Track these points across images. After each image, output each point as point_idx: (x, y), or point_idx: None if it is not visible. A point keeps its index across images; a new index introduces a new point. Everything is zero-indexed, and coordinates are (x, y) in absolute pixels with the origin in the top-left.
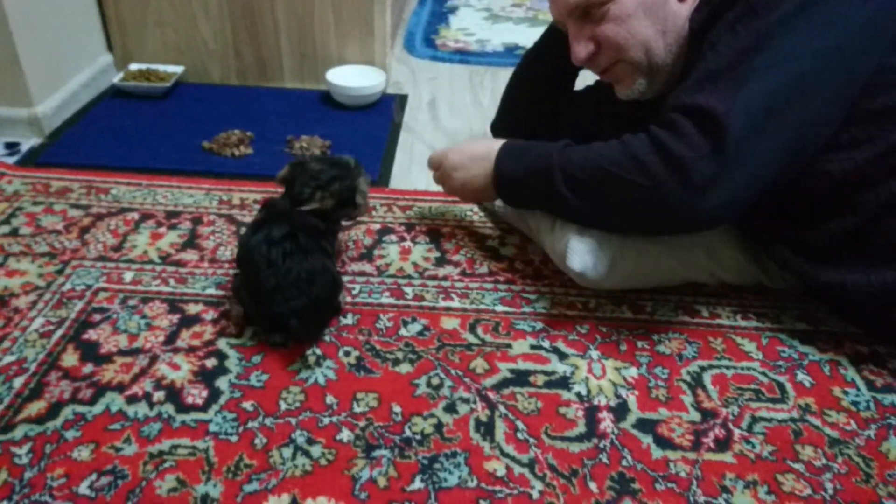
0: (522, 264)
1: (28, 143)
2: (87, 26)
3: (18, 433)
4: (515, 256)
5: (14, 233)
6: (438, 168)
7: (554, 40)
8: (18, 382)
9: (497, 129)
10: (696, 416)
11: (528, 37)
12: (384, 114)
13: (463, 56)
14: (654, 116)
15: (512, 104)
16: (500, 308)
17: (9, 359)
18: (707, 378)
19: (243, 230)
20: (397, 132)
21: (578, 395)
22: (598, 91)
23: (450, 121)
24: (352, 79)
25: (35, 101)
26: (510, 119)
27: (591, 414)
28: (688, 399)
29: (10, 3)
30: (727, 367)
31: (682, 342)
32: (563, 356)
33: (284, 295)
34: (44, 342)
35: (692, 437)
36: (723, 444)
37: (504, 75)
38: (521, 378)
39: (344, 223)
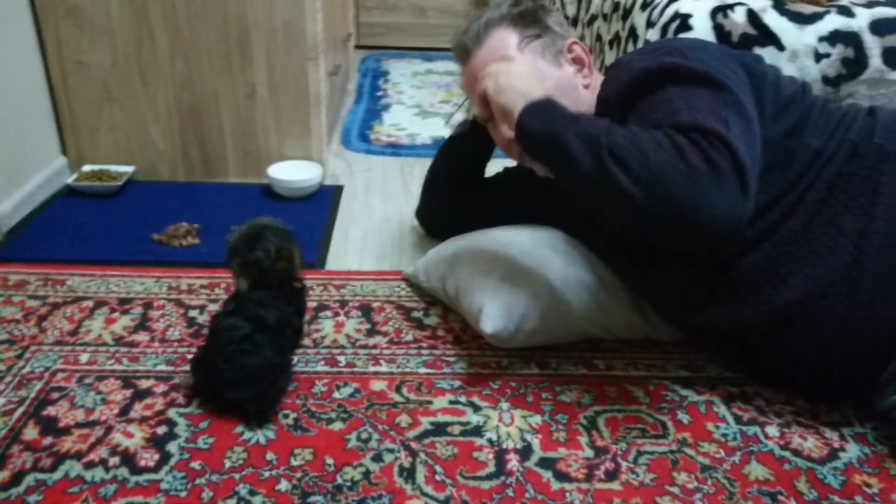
0: (444, 331)
1: None
2: (42, 131)
3: None
4: (438, 325)
5: None
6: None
7: (465, 133)
8: None
9: (421, 214)
10: (590, 452)
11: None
12: (321, 204)
13: (394, 149)
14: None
15: (431, 193)
16: (422, 370)
17: None
18: (601, 421)
19: (196, 312)
20: (333, 220)
21: (489, 440)
22: (507, 175)
23: (382, 207)
24: (291, 173)
25: None
26: (430, 205)
27: (500, 456)
28: (583, 439)
29: None
30: (619, 411)
31: (580, 392)
32: (477, 408)
33: (237, 387)
34: (6, 419)
35: (586, 470)
36: (612, 475)
37: None
38: (440, 429)
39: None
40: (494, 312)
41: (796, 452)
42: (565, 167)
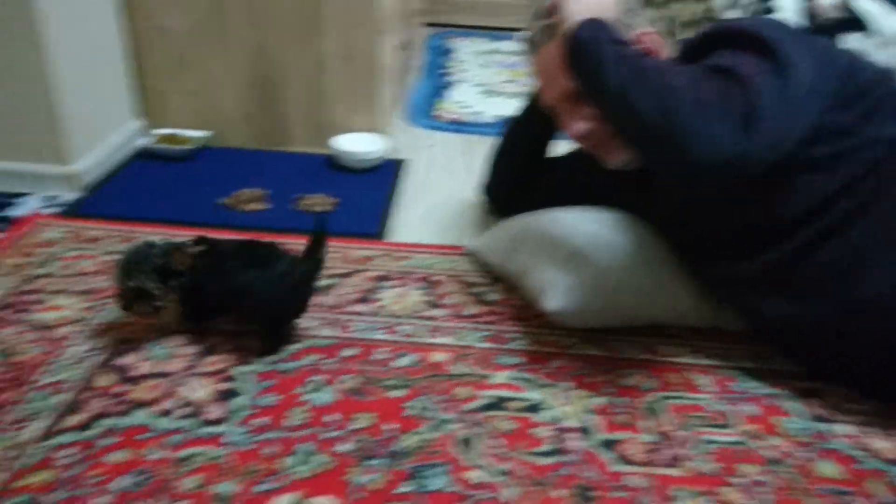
0: (505, 308)
1: (65, 196)
2: (120, 93)
3: (61, 439)
4: (500, 301)
5: (52, 274)
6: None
7: (531, 114)
8: (60, 399)
9: (485, 190)
10: (651, 437)
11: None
12: (384, 176)
13: (458, 126)
14: (637, 183)
15: (496, 170)
16: (483, 345)
17: (50, 379)
18: (663, 406)
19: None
20: (396, 193)
21: (549, 418)
22: (575, 157)
23: (445, 183)
24: (355, 144)
25: (73, 159)
26: (494, 182)
27: (559, 435)
28: (644, 423)
29: (53, 73)
30: (681, 398)
31: (643, 376)
32: (537, 386)
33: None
34: (81, 366)
35: (646, 454)
36: (673, 462)
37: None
38: (498, 403)
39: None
40: (558, 291)
41: (870, 452)
42: (593, 75)
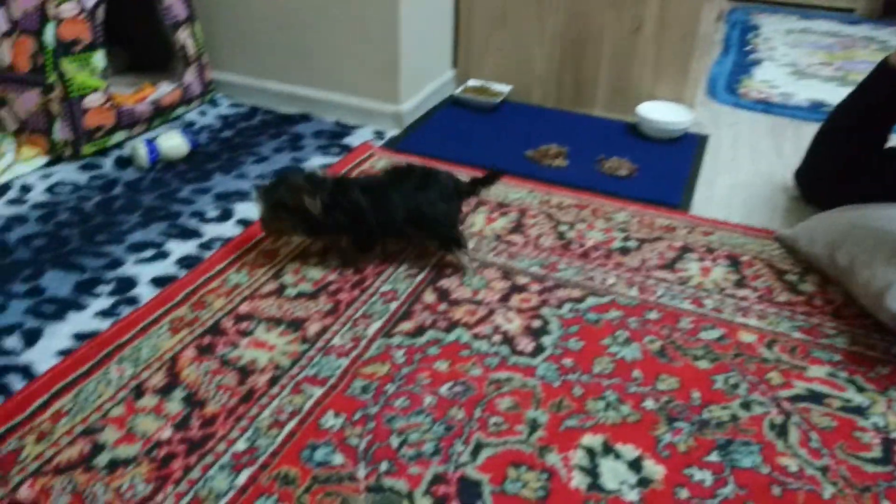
0: (822, 301)
1: (389, 132)
2: (442, 44)
3: (395, 340)
4: (815, 293)
5: None
6: None
7: (880, 83)
8: (394, 306)
9: (801, 176)
10: None
11: (835, 95)
12: (686, 149)
13: (766, 106)
14: None
15: (821, 154)
16: (797, 335)
17: (385, 288)
18: None
19: (566, 227)
20: (698, 167)
21: (875, 425)
22: None
23: (750, 164)
24: (660, 113)
25: (401, 100)
26: (815, 168)
27: (888, 444)
28: None
29: (403, 23)
30: None
31: None
32: (860, 389)
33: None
34: (410, 281)
35: None
36: None
37: (808, 129)
38: (816, 397)
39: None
40: None
41: None
42: None
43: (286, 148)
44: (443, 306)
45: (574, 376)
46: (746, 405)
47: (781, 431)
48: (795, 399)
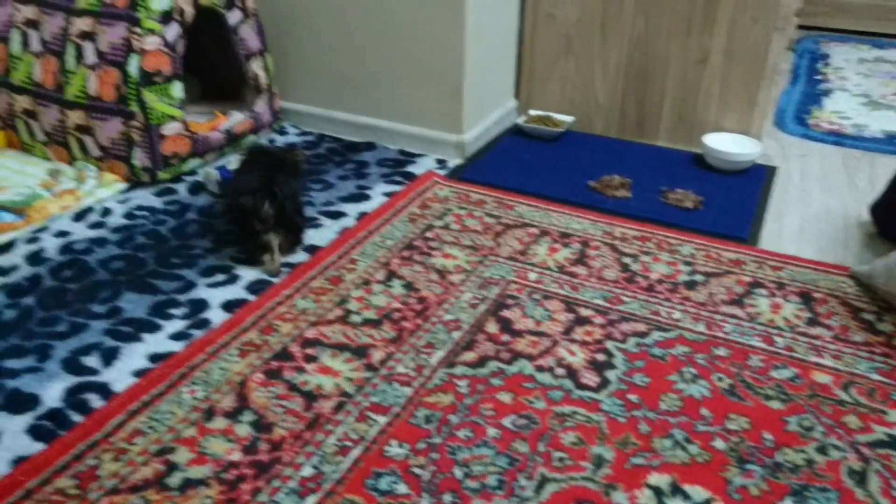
0: None
1: (452, 161)
2: (505, 74)
3: (458, 371)
4: (894, 334)
5: (447, 227)
6: None
7: None
8: (456, 335)
9: (878, 210)
10: None
11: None
12: (753, 181)
13: (837, 138)
14: None
15: None
16: (875, 377)
17: (449, 317)
18: None
19: (629, 260)
20: (766, 200)
21: None
22: None
23: (821, 197)
24: (727, 145)
25: (464, 129)
26: (894, 203)
27: None
28: None
29: (468, 52)
30: None
31: None
32: None
33: None
34: (472, 311)
35: None
36: None
37: (884, 161)
38: None
39: None
40: None
41: None
42: None
43: (351, 175)
44: (505, 337)
45: (640, 412)
46: (822, 449)
47: (861, 479)
48: (875, 444)
